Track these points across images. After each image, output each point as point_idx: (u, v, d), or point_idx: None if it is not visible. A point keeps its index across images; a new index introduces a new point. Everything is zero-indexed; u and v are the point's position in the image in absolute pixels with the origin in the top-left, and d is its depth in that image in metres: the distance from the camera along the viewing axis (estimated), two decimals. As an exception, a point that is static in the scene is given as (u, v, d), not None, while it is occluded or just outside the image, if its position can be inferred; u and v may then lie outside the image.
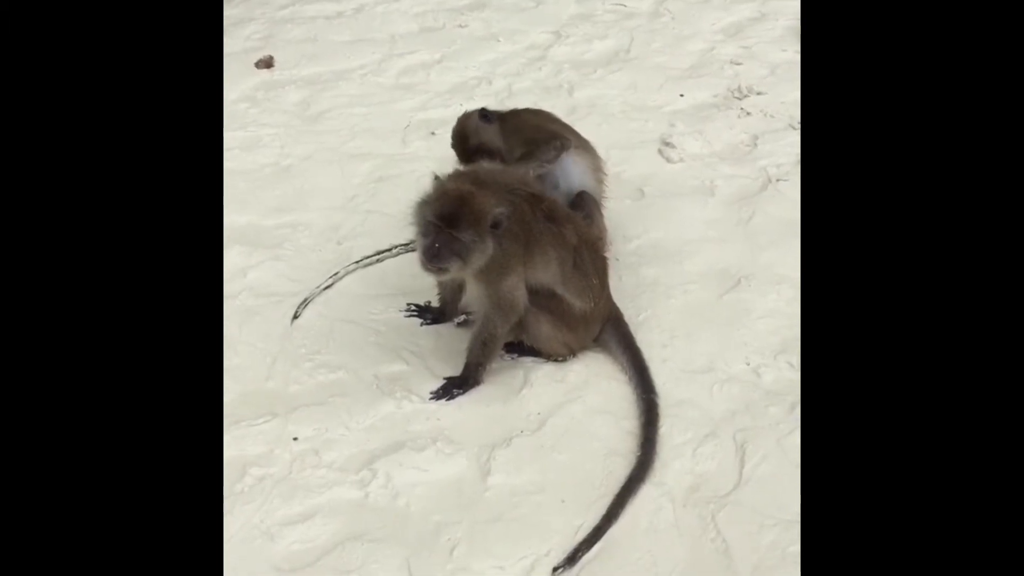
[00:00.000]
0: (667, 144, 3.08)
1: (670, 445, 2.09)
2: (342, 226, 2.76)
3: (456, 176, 2.18)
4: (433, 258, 2.06)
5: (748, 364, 2.29)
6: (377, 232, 2.72)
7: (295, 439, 2.11)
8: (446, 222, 2.04)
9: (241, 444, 2.11)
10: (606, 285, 2.32)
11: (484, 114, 2.50)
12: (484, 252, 2.08)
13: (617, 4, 4.00)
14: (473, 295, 2.25)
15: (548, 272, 2.21)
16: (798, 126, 3.12)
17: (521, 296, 2.19)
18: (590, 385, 2.25)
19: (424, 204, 2.09)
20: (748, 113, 3.25)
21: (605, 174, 2.59)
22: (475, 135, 2.48)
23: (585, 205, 2.46)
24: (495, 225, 2.06)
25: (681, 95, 3.36)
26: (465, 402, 2.21)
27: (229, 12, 3.98)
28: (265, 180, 2.98)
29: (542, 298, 2.22)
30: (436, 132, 3.17)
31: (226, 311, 2.47)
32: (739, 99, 3.32)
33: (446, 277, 2.19)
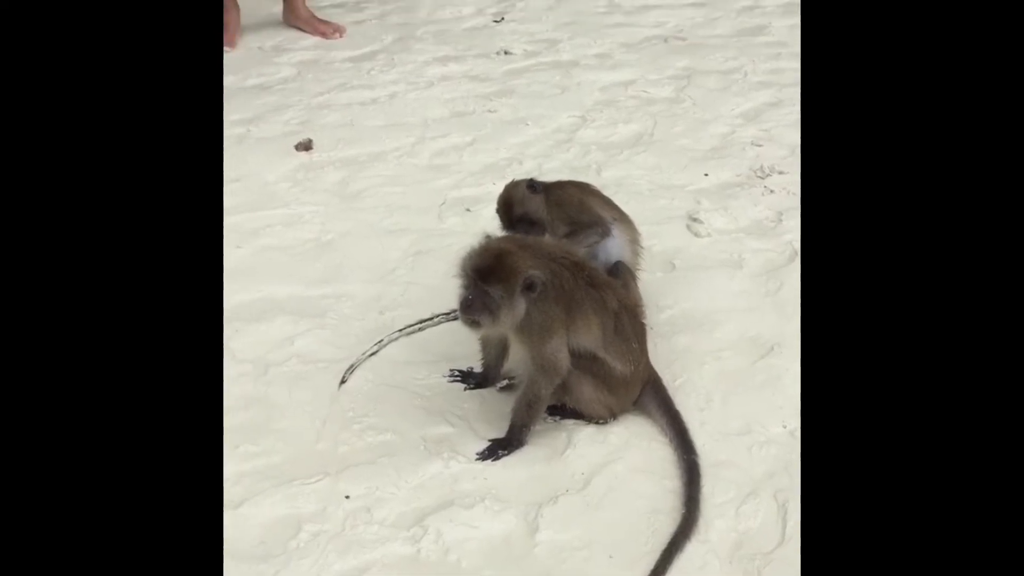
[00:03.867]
0: (694, 220, 3.20)
1: (712, 504, 2.15)
2: (383, 297, 2.86)
3: (503, 237, 2.29)
4: (466, 310, 2.17)
5: (785, 427, 2.36)
6: (417, 303, 2.81)
7: (347, 497, 2.17)
8: (480, 276, 2.15)
9: (294, 502, 2.17)
10: (645, 350, 2.40)
11: (531, 184, 2.61)
12: (514, 311, 2.18)
13: (639, 91, 4.17)
14: (517, 358, 2.34)
15: (590, 336, 2.29)
16: (819, 203, 3.24)
17: (564, 359, 2.27)
18: (631, 446, 2.32)
19: (467, 258, 2.20)
20: (771, 191, 3.37)
21: (641, 247, 2.69)
22: (520, 204, 2.59)
23: (621, 275, 2.56)
24: (529, 287, 2.15)
25: (705, 174, 3.50)
26: (511, 462, 2.27)
27: (268, 99, 4.16)
28: (307, 254, 3.10)
29: (584, 361, 2.30)
30: (471, 209, 3.29)
31: (274, 377, 2.56)
32: (761, 178, 3.45)
33: (479, 332, 2.28)
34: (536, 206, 2.57)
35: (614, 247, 2.60)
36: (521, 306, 2.17)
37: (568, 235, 2.55)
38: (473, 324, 2.20)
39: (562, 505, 2.15)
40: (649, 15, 5.01)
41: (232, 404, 2.46)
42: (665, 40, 4.68)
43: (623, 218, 2.68)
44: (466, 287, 2.19)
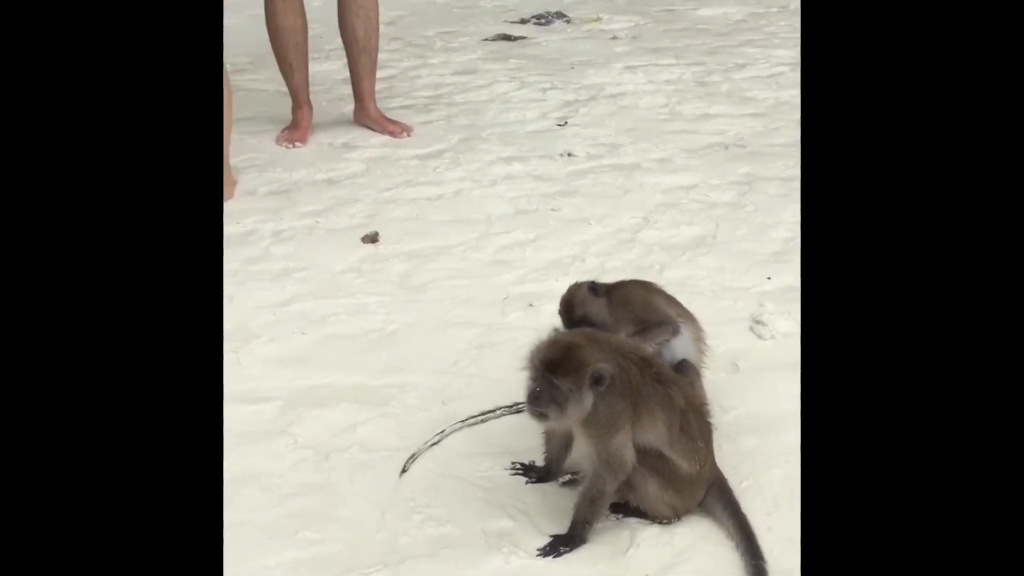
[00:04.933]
0: (758, 322, 3.18)
1: (781, 612, 2.08)
2: (447, 388, 2.87)
3: (573, 331, 2.29)
4: (533, 402, 2.17)
5: (855, 535, 2.28)
6: (481, 395, 2.82)
7: (406, 589, 2.14)
8: (548, 368, 2.15)
9: (353, 593, 2.14)
10: (711, 450, 2.37)
11: (593, 287, 2.63)
12: (581, 404, 2.16)
13: (701, 195, 4.21)
14: (581, 452, 2.32)
15: (656, 433, 2.27)
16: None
17: (629, 455, 2.24)
18: (697, 548, 2.26)
19: (535, 350, 2.20)
20: (835, 296, 3.35)
21: (707, 345, 2.68)
22: (581, 306, 2.61)
23: (687, 373, 2.54)
24: (597, 380, 2.15)
25: (768, 278, 3.49)
26: (572, 559, 2.23)
27: (337, 193, 4.28)
28: (371, 344, 3.13)
29: (649, 459, 2.27)
30: (533, 304, 3.31)
31: (336, 464, 2.56)
32: (825, 283, 3.43)
33: (547, 424, 2.26)
34: (598, 308, 2.58)
35: (680, 345, 2.59)
36: (589, 399, 2.16)
37: (636, 334, 2.55)
38: (540, 417, 2.19)
39: (625, 607, 2.09)
40: (710, 123, 5.09)
41: (292, 490, 2.47)
42: (726, 147, 4.74)
43: (688, 316, 2.68)
44: (534, 379, 2.19)
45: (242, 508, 2.39)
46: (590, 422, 2.20)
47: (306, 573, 2.19)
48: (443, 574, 2.18)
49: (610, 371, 2.16)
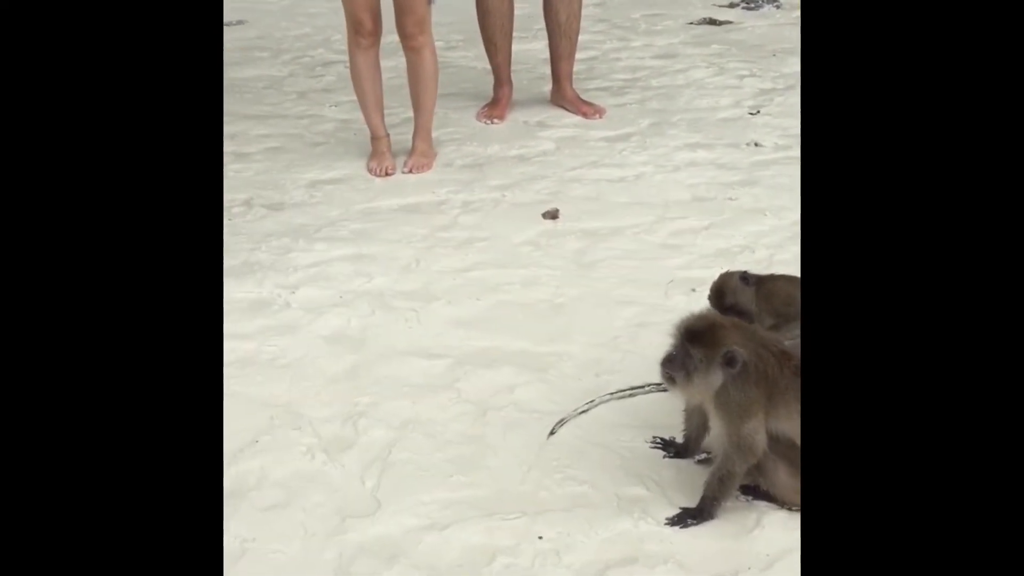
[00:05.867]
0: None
1: (895, 607, 2.14)
2: (602, 361, 3.05)
3: (724, 315, 2.43)
4: (665, 363, 2.34)
5: (986, 545, 2.30)
6: (633, 371, 2.98)
7: (540, 538, 2.36)
8: (688, 337, 2.30)
9: (493, 535, 2.38)
10: (846, 444, 2.43)
11: (744, 276, 2.74)
12: (708, 379, 2.30)
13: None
14: (715, 433, 2.44)
15: (790, 423, 2.36)
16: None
17: (761, 440, 2.35)
18: (820, 537, 2.34)
19: (682, 320, 2.38)
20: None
21: (856, 342, 2.72)
22: (731, 294, 2.72)
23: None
24: (729, 362, 2.27)
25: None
26: (699, 532, 2.37)
27: (526, 169, 4.53)
28: (539, 313, 3.36)
29: (782, 447, 2.37)
30: (696, 289, 3.42)
31: (492, 419, 2.81)
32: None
33: (673, 388, 2.40)
34: (747, 298, 2.68)
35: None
36: (717, 377, 2.29)
37: (772, 327, 2.63)
38: (668, 378, 2.35)
39: (741, 581, 2.22)
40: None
41: (451, 438, 2.74)
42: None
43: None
44: (674, 345, 2.34)
45: (407, 448, 2.68)
46: (723, 404, 2.33)
47: (454, 511, 2.45)
48: (575, 529, 2.38)
49: (743, 356, 2.28)
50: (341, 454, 2.67)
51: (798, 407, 2.35)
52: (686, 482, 2.53)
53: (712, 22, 6.91)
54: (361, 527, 2.41)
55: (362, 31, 4.40)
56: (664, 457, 2.63)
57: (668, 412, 2.72)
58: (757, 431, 2.34)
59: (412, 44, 4.45)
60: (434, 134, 4.77)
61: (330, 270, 3.68)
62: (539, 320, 3.31)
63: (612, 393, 2.88)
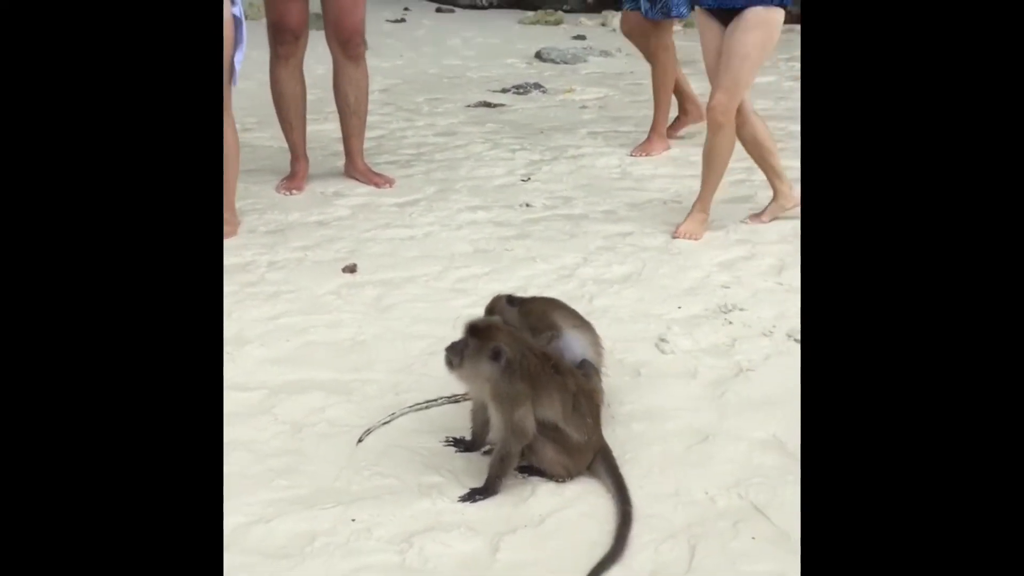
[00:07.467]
0: (663, 340, 3.86)
1: (639, 542, 2.72)
2: (401, 383, 3.54)
3: (504, 322, 3.02)
4: (448, 349, 2.91)
5: (706, 494, 2.94)
6: (427, 389, 3.49)
7: (353, 520, 2.79)
8: (469, 330, 2.89)
9: (312, 522, 2.79)
10: (599, 424, 3.04)
11: (510, 298, 3.34)
12: (476, 367, 2.86)
13: (635, 240, 4.92)
14: (494, 424, 2.98)
15: (552, 410, 2.94)
16: (769, 333, 3.90)
17: (530, 425, 2.91)
18: (582, 499, 2.91)
19: (471, 320, 2.99)
20: (731, 323, 4.04)
21: (603, 348, 3.37)
22: (500, 312, 3.31)
23: (586, 368, 3.22)
24: (494, 356, 2.83)
25: (679, 307, 4.18)
26: (485, 504, 2.88)
27: (325, 232, 5.01)
28: (344, 349, 3.81)
29: (547, 430, 2.94)
30: (480, 323, 4.00)
31: (307, 435, 3.22)
32: (725, 313, 4.12)
33: (451, 371, 2.94)
34: (511, 315, 3.28)
35: (577, 347, 3.26)
36: (485, 367, 2.83)
37: (532, 336, 3.23)
38: (448, 361, 2.90)
39: (519, 535, 2.74)
40: (655, 182, 5.84)
41: (270, 452, 3.13)
42: (664, 203, 5.48)
43: (583, 325, 3.36)
44: (460, 337, 2.89)
45: (233, 463, 3.05)
46: (498, 396, 2.87)
47: (276, 508, 2.84)
48: (383, 511, 2.83)
49: (507, 353, 2.84)
50: (172, 472, 3.00)
51: (558, 395, 2.95)
52: (474, 469, 3.04)
53: (487, 105, 7.71)
54: (195, 526, 2.76)
55: None
56: (456, 452, 3.13)
57: (457, 418, 3.24)
58: (526, 417, 2.90)
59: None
60: (237, 204, 5.16)
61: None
62: (344, 354, 3.77)
63: (411, 406, 3.37)
